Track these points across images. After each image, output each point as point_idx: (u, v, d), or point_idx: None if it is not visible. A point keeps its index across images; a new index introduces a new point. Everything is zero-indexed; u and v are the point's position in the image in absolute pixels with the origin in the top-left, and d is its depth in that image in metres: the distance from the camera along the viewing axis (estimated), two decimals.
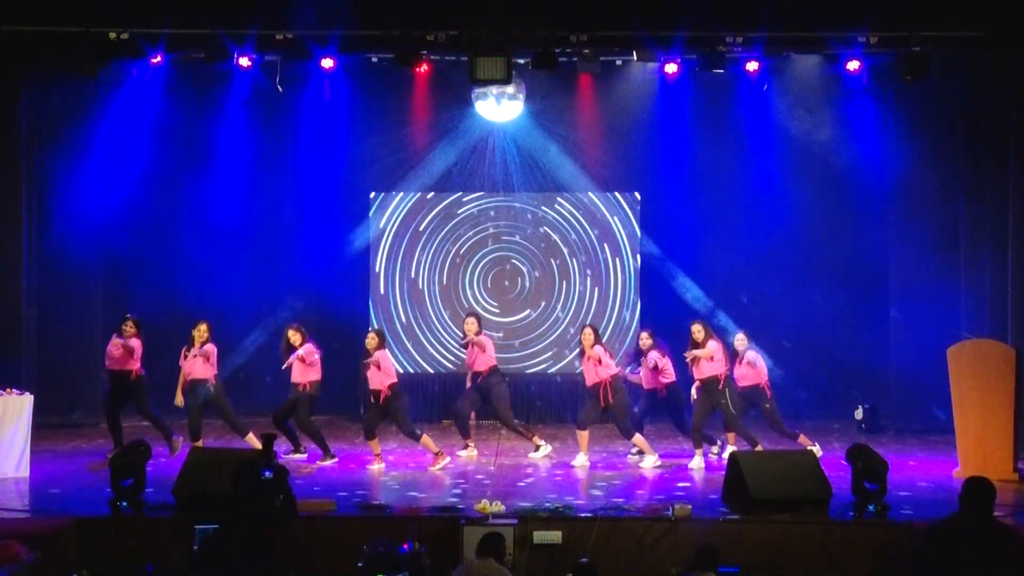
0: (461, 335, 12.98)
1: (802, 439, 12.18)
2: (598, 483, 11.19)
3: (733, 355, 12.34)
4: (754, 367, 12.23)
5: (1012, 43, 12.68)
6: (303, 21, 12.71)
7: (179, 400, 12.36)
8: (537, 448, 12.55)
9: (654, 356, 12.23)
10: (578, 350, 12.61)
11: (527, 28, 12.66)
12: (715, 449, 12.56)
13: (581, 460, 12.04)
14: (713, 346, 12.09)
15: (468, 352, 12.70)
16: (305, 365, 12.22)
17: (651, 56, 13.60)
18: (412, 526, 9.12)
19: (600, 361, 11.97)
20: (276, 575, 8.15)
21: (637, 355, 12.57)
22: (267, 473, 8.14)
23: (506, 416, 12.69)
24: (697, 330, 12.15)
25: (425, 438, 11.99)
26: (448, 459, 12.03)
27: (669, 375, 12.32)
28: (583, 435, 12.11)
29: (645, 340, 12.37)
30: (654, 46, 13.27)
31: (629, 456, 12.44)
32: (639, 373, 12.48)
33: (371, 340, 12.02)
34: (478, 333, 12.64)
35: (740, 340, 12.40)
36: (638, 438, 12.08)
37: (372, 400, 12.05)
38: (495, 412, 12.91)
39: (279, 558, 8.21)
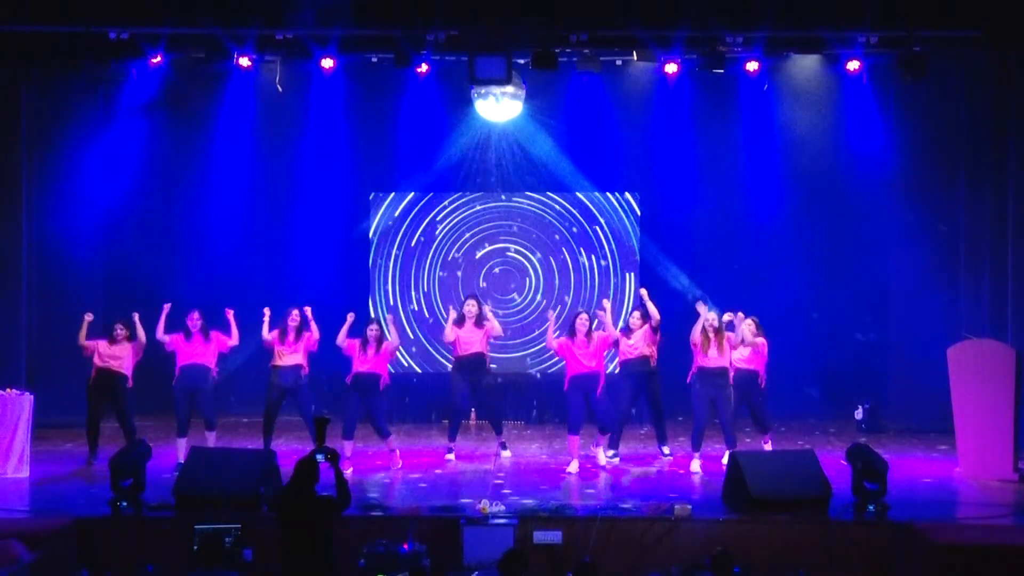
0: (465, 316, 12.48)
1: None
2: (598, 483, 11.20)
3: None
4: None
5: (1012, 43, 12.69)
6: (303, 21, 12.72)
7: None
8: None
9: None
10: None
11: (527, 28, 12.67)
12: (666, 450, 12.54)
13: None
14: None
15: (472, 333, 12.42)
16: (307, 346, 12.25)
17: (651, 56, 13.60)
18: (412, 526, 9.14)
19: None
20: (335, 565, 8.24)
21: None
22: (319, 457, 8.20)
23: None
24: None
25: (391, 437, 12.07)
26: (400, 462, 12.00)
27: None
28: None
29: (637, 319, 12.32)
30: (654, 46, 13.27)
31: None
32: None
33: (374, 329, 12.00)
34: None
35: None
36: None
37: (359, 389, 11.94)
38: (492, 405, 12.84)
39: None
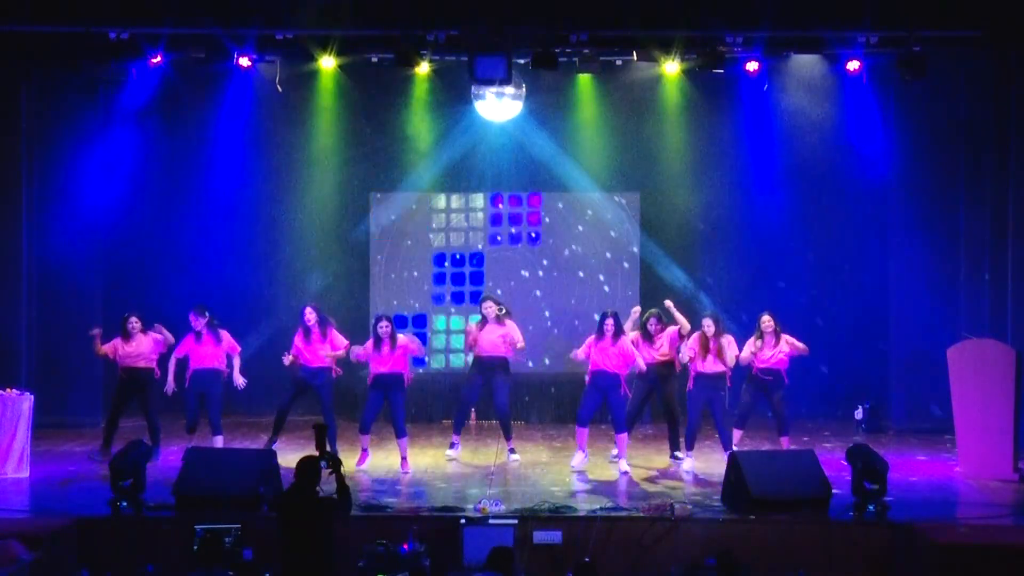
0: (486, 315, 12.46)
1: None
2: (598, 483, 11.20)
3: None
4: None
5: (1012, 43, 12.70)
6: (303, 21, 12.72)
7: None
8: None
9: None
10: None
11: (527, 28, 12.67)
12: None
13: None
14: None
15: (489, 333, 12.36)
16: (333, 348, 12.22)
17: (651, 56, 13.62)
18: (412, 526, 9.14)
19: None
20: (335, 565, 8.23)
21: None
22: (323, 464, 8.20)
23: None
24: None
25: None
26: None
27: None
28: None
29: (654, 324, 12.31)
30: (654, 46, 13.28)
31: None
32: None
33: (384, 326, 11.92)
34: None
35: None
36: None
37: (381, 387, 11.89)
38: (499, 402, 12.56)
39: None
